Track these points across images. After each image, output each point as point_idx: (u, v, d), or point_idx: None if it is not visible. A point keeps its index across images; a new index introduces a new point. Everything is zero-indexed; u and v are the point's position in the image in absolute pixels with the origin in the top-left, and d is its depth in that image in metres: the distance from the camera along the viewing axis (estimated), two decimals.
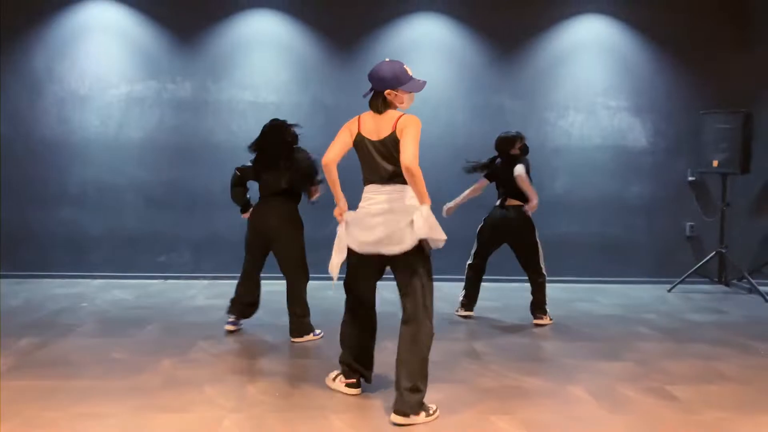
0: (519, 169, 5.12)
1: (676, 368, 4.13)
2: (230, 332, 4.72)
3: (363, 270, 3.45)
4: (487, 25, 6.84)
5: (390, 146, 3.25)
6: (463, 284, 5.45)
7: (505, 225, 5.22)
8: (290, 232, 4.61)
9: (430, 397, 3.34)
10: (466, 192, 5.33)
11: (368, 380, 3.61)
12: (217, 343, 4.48)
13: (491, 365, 4.12)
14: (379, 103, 3.32)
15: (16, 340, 4.44)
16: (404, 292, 3.32)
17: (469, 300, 5.41)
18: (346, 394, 3.55)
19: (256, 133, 7.02)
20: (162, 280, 6.64)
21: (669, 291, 6.61)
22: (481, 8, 6.83)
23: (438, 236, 3.20)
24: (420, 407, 3.19)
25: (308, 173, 4.60)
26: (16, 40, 6.61)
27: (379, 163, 3.29)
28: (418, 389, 3.19)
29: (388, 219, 3.22)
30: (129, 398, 3.43)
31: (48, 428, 3.04)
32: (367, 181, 3.38)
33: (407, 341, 3.24)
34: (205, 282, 6.54)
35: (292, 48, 6.79)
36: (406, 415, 3.15)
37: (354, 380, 3.56)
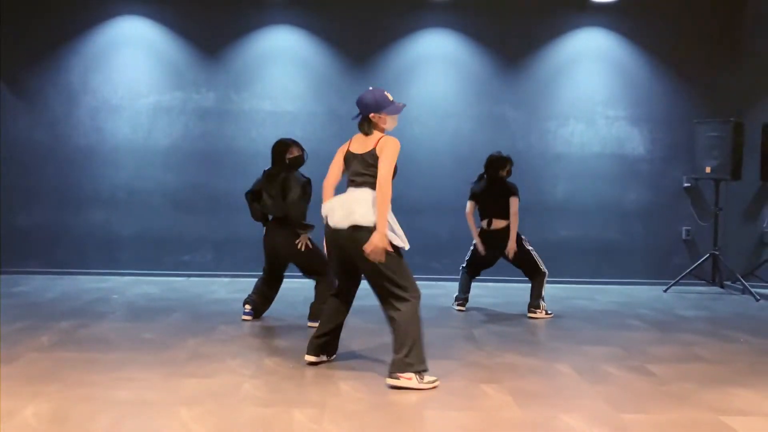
0: (515, 204, 5.48)
1: (657, 352, 4.48)
2: (244, 321, 5.14)
3: (335, 264, 3.91)
4: (491, 39, 7.28)
5: (369, 159, 3.72)
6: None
7: (496, 245, 5.58)
8: (297, 250, 4.93)
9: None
10: (470, 222, 5.69)
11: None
12: (238, 327, 4.91)
13: (486, 347, 4.51)
14: (365, 126, 3.81)
15: (57, 322, 4.91)
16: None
17: (466, 299, 5.79)
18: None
19: (274, 139, 7.56)
20: (186, 278, 7.09)
21: (665, 291, 6.93)
22: (486, 23, 7.28)
23: (398, 244, 3.66)
24: (406, 367, 3.56)
25: (295, 220, 4.85)
26: (54, 54, 7.17)
27: (358, 169, 3.76)
28: (401, 351, 3.57)
29: (347, 199, 3.73)
30: (159, 367, 3.86)
31: (90, 387, 3.47)
32: (348, 184, 3.84)
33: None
34: (226, 280, 6.98)
35: (308, 62, 7.28)
36: (392, 374, 3.56)
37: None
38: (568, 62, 7.35)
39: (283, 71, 7.28)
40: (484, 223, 5.63)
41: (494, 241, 5.58)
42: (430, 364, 3.76)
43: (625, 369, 4.04)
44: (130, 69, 7.22)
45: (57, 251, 7.20)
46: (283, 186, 4.87)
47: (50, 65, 7.18)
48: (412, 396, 3.48)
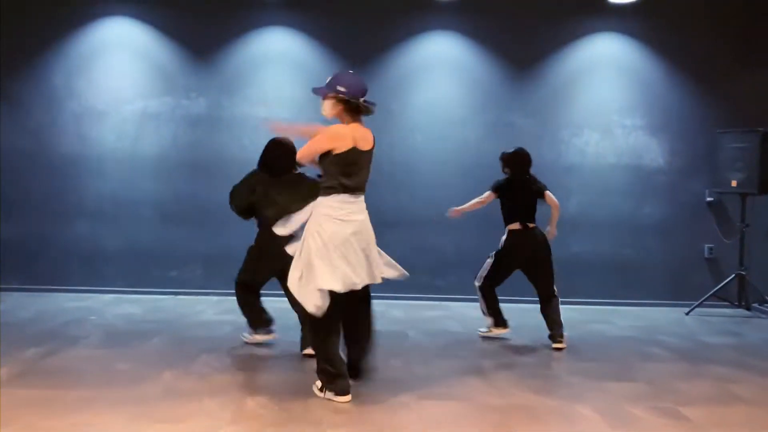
0: (552, 197, 5.14)
1: (688, 389, 4.01)
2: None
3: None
4: (499, 44, 6.83)
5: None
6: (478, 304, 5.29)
7: (535, 248, 5.09)
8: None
9: (430, 413, 3.27)
10: (474, 201, 5.22)
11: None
12: (221, 357, 4.45)
13: (497, 383, 4.04)
14: None
15: (23, 350, 4.46)
16: None
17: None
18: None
19: None
20: (173, 296, 6.64)
21: (687, 314, 6.45)
22: (494, 27, 6.83)
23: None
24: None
25: None
26: (37, 57, 6.74)
27: None
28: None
29: None
30: (127, 408, 3.40)
31: None
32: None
33: None
34: (215, 299, 6.52)
35: (305, 65, 6.84)
36: None
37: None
38: (582, 68, 6.89)
39: (278, 75, 6.84)
40: (520, 226, 5.11)
41: (529, 242, 5.09)
42: (433, 405, 3.31)
43: (655, 412, 3.56)
44: (117, 73, 6.79)
45: (37, 266, 6.75)
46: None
47: (32, 68, 6.74)
48: None
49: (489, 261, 5.20)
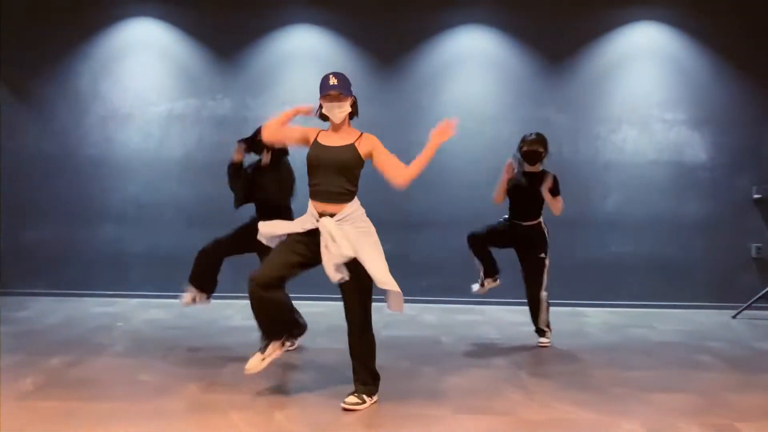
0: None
1: (744, 402, 3.74)
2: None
3: None
4: (533, 36, 6.60)
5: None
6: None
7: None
8: None
9: (466, 428, 3.07)
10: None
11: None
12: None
13: (536, 395, 3.82)
14: None
15: (48, 358, 4.37)
16: None
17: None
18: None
19: (295, 150, 6.91)
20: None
21: (733, 317, 6.14)
22: (527, 18, 6.59)
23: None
24: None
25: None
26: (61, 60, 6.70)
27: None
28: None
29: None
30: (150, 423, 3.27)
31: None
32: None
33: None
34: (243, 302, 6.38)
35: (331, 63, 6.62)
36: None
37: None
38: (620, 60, 6.61)
39: (304, 74, 6.67)
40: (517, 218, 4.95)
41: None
42: (472, 419, 3.12)
43: (711, 429, 3.31)
44: (142, 75, 6.71)
45: (63, 270, 6.71)
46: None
47: (57, 71, 6.71)
48: None
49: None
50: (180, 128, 6.69)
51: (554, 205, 4.86)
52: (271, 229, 3.63)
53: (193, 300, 4.76)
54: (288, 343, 3.75)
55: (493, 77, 6.66)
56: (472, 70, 6.67)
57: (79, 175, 6.70)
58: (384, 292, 3.49)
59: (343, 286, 3.50)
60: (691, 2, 6.51)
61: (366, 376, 3.56)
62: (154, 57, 6.72)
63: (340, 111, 3.53)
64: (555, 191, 4.86)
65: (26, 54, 6.67)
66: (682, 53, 6.57)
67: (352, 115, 3.64)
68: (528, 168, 4.92)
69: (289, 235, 3.57)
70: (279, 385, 3.93)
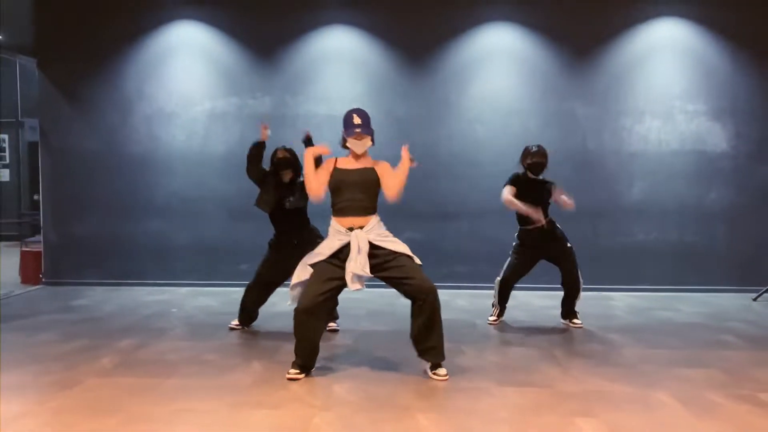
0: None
1: (765, 376, 4.01)
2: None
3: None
4: (558, 31, 6.84)
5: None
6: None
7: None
8: None
9: (512, 399, 3.39)
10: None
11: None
12: None
13: (572, 371, 4.12)
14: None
15: (116, 341, 4.75)
16: None
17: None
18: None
19: (331, 144, 7.23)
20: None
21: (754, 300, 6.39)
22: (551, 14, 6.84)
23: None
24: None
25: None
26: (109, 62, 7.06)
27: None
28: None
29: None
30: (224, 395, 3.62)
31: (150, 422, 3.25)
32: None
33: None
34: (284, 290, 6.73)
35: (364, 62, 6.98)
36: None
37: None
38: (642, 54, 6.84)
39: (339, 73, 7.00)
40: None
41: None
42: (514, 392, 3.43)
43: (735, 399, 3.60)
44: (185, 75, 7.06)
45: (113, 262, 7.11)
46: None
47: (105, 73, 7.07)
48: None
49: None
50: (222, 126, 7.04)
51: (567, 204, 5.15)
52: (305, 273, 3.99)
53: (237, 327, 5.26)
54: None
55: (519, 72, 6.92)
56: (499, 66, 6.93)
57: (126, 171, 7.08)
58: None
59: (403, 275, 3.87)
60: None
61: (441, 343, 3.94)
62: (196, 58, 7.06)
63: (363, 146, 4.01)
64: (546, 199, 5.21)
65: (75, 57, 7.03)
66: (702, 46, 6.79)
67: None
68: (531, 176, 5.24)
69: (320, 262, 3.93)
70: (333, 363, 4.26)
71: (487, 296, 6.48)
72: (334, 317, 5.17)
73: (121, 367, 4.14)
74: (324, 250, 3.95)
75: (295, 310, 3.89)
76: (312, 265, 3.95)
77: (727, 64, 6.78)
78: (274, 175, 5.13)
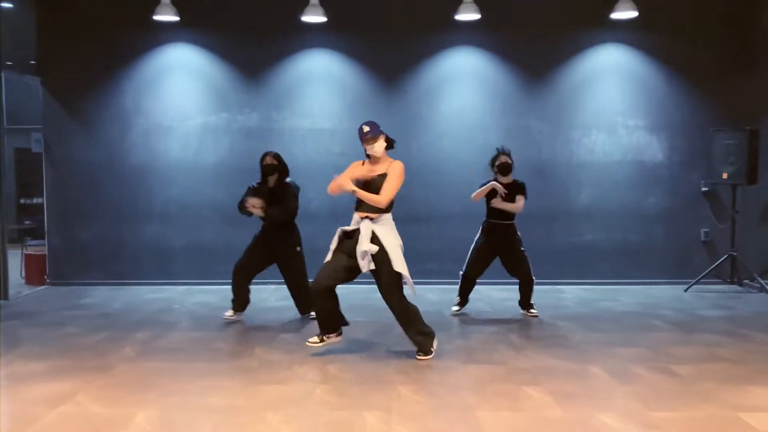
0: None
1: (681, 352, 4.92)
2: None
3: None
4: (516, 55, 7.69)
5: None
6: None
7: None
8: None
9: (474, 374, 4.22)
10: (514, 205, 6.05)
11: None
12: (294, 335, 5.42)
13: (524, 350, 4.97)
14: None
15: (133, 333, 5.45)
16: None
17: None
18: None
19: (313, 155, 8.06)
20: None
21: (685, 291, 7.34)
22: (510, 40, 7.69)
23: None
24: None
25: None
26: (108, 81, 7.69)
27: None
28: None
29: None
30: (238, 375, 4.37)
31: (185, 396, 3.98)
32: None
33: None
34: (272, 287, 7.48)
35: (344, 82, 7.75)
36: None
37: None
38: (590, 76, 7.75)
39: (321, 91, 7.75)
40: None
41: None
42: (475, 368, 4.26)
43: (653, 370, 4.49)
44: (179, 92, 7.73)
45: (115, 264, 7.75)
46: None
47: (105, 90, 7.70)
48: (468, 399, 3.96)
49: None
50: (213, 138, 7.73)
51: (514, 207, 5.95)
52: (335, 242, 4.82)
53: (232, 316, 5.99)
54: (338, 336, 4.90)
55: (482, 91, 7.77)
56: (464, 85, 7.77)
57: (126, 180, 7.73)
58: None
59: (377, 275, 4.68)
60: (649, 27, 7.61)
61: (419, 337, 4.72)
62: (190, 77, 7.74)
63: (378, 147, 4.76)
64: (514, 196, 5.96)
65: (76, 74, 7.65)
66: (642, 70, 7.72)
67: (389, 147, 4.84)
68: (502, 179, 6.02)
69: (339, 243, 4.75)
70: (326, 348, 5.03)
71: (454, 291, 7.34)
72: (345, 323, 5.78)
73: (145, 355, 4.85)
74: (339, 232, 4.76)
75: (310, 291, 4.75)
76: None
77: (662, 85, 7.72)
78: (263, 182, 5.93)
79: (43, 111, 7.74)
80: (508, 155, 6.07)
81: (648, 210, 7.77)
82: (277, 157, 5.92)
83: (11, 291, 7.28)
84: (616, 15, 7.30)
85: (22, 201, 12.46)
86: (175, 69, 7.73)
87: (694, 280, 7.36)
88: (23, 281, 7.99)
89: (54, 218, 7.80)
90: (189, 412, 3.73)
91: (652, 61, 7.71)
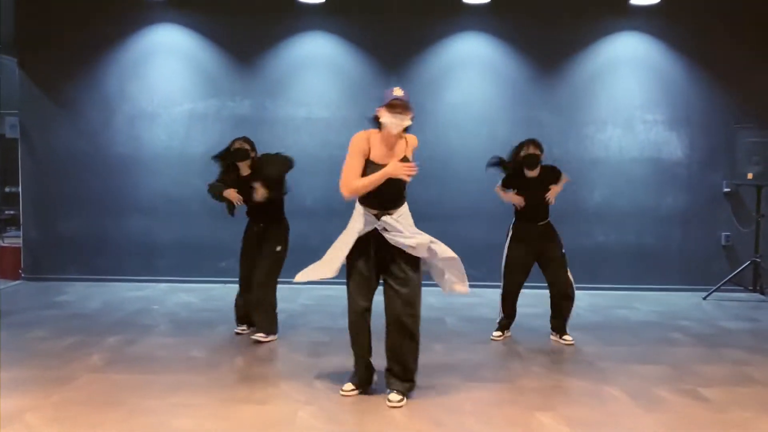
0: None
1: (707, 371, 4.44)
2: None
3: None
4: (528, 43, 7.19)
5: None
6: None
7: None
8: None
9: (477, 395, 3.74)
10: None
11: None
12: (281, 343, 4.94)
13: (534, 366, 4.49)
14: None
15: (104, 338, 4.98)
16: None
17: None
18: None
19: (309, 146, 7.57)
20: (222, 284, 7.14)
21: (704, 299, 6.86)
22: (522, 27, 7.19)
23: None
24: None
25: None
26: (91, 64, 7.21)
27: None
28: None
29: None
30: (213, 391, 3.90)
31: (152, 416, 3.51)
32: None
33: None
34: None
35: (342, 68, 7.24)
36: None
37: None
38: (606, 67, 7.24)
39: (317, 78, 7.26)
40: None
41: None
42: (478, 387, 3.77)
43: (678, 393, 4.01)
44: (166, 77, 7.24)
45: (95, 258, 7.28)
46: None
47: (87, 74, 7.22)
48: (471, 427, 3.48)
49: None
50: (202, 127, 7.24)
51: (559, 188, 5.16)
52: (313, 272, 3.85)
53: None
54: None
55: (491, 81, 7.26)
56: (472, 75, 7.26)
57: (110, 170, 7.24)
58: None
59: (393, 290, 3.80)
60: (671, 15, 7.12)
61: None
62: (177, 60, 7.24)
63: (400, 124, 3.70)
64: (548, 186, 5.20)
65: (57, 57, 7.16)
66: (662, 60, 7.21)
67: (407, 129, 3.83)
68: (529, 173, 5.18)
69: (351, 253, 3.77)
70: (314, 359, 4.56)
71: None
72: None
73: (113, 364, 4.37)
74: (344, 248, 3.80)
75: (349, 315, 3.87)
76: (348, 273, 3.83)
77: (683, 77, 7.22)
78: (233, 169, 5.02)
79: (20, 94, 7.25)
80: (539, 146, 5.00)
81: (665, 211, 7.27)
82: (247, 140, 5.05)
83: None
84: (636, 1, 6.79)
85: (7, 189, 11.99)
86: (162, 52, 7.25)
87: (713, 288, 6.88)
88: None
89: (30, 209, 7.34)
90: None
91: (673, 52, 7.20)
